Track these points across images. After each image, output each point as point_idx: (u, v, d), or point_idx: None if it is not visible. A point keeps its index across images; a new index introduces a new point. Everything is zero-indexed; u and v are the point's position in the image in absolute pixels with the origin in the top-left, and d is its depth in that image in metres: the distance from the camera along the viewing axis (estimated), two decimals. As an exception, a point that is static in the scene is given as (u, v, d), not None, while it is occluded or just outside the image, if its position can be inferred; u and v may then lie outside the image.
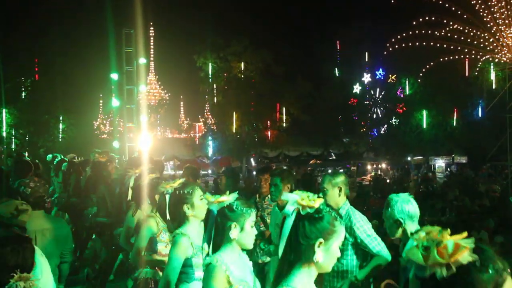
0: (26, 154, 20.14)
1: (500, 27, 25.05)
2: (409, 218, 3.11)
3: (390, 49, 28.30)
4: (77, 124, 24.88)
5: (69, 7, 25.43)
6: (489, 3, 24.72)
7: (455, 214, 11.47)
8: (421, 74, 30.34)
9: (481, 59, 26.16)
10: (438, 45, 25.87)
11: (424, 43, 26.10)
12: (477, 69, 28.63)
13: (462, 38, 25.68)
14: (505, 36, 25.32)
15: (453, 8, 25.08)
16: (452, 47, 25.86)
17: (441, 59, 26.82)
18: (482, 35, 25.39)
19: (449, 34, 26.02)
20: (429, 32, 25.96)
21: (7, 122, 22.01)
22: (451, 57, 26.55)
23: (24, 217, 2.95)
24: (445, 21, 25.59)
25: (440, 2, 24.96)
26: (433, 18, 25.86)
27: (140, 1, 10.86)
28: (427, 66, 28.04)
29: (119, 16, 14.14)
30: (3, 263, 2.23)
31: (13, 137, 22.97)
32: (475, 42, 25.70)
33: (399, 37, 27.34)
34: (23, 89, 23.91)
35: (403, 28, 26.99)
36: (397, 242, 3.75)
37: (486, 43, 25.79)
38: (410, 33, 26.65)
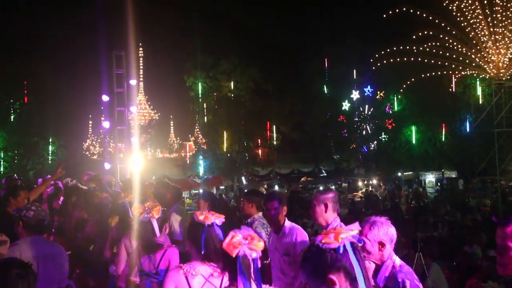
0: (15, 176, 19.99)
1: (484, 44, 25.53)
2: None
3: (378, 64, 28.64)
4: (66, 145, 24.76)
5: (59, 30, 25.53)
6: (473, 20, 25.22)
7: (448, 229, 11.53)
8: (401, 90, 30.64)
9: (468, 73, 26.58)
10: (425, 60, 26.22)
11: (411, 59, 26.44)
12: (463, 84, 29.07)
13: (448, 54, 26.09)
14: (490, 52, 25.79)
15: (442, 24, 25.47)
16: (439, 63, 26.24)
17: (428, 74, 27.18)
18: (468, 52, 25.84)
19: (434, 50, 26.45)
20: (414, 48, 26.34)
21: (-4, 145, 21.88)
22: (438, 72, 26.92)
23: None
24: (432, 35, 26.00)
25: (430, 18, 25.37)
26: (419, 34, 26.26)
27: (130, 23, 10.96)
28: (413, 81, 28.35)
29: (110, 38, 14.25)
30: (14, 283, 2.23)
31: (2, 160, 22.78)
32: (461, 58, 26.13)
33: (383, 52, 27.65)
34: (12, 111, 23.80)
35: (390, 45, 27.38)
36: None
37: (472, 58, 26.24)
38: (395, 48, 27.01)
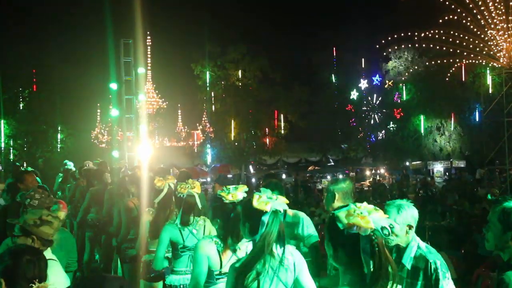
0: (25, 164, 20.14)
1: (495, 32, 25.13)
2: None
3: (389, 50, 28.21)
4: (75, 134, 24.86)
5: (67, 18, 25.53)
6: (484, 7, 24.78)
7: (456, 219, 11.48)
8: (406, 75, 30.06)
9: (477, 62, 26.17)
10: (431, 46, 25.74)
11: (422, 45, 25.97)
12: (473, 73, 28.73)
13: (458, 41, 25.67)
14: (500, 41, 25.39)
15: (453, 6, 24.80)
16: (451, 50, 25.76)
17: (438, 61, 26.78)
18: (477, 40, 25.42)
19: (443, 38, 26.00)
20: (423, 34, 25.84)
21: (5, 133, 22.02)
22: (450, 60, 26.48)
23: (46, 229, 2.93)
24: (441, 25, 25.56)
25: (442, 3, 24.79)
26: (429, 32, 25.70)
27: (138, 11, 10.93)
28: (422, 68, 27.94)
29: (118, 26, 14.23)
30: (22, 274, 2.26)
31: (11, 148, 22.95)
32: (471, 46, 25.73)
33: (389, 38, 27.16)
34: (21, 99, 23.93)
35: (399, 31, 26.89)
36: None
37: (482, 47, 25.86)
38: (402, 34, 26.50)
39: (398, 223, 3.04)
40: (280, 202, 2.44)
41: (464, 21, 24.79)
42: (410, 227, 3.05)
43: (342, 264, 1.82)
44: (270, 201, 2.40)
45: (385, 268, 1.73)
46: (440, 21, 24.83)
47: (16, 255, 2.35)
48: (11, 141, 22.88)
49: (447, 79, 27.80)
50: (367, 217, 1.73)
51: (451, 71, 27.66)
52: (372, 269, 1.73)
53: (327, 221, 1.87)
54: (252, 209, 2.39)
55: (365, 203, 1.83)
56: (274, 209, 2.39)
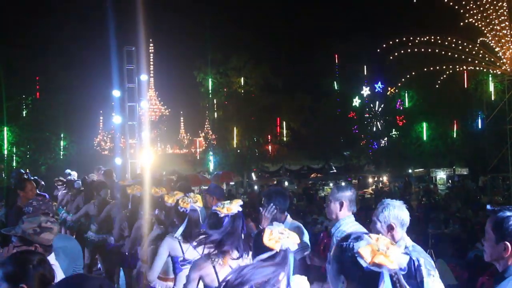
0: (27, 170, 20.14)
1: (497, 38, 25.10)
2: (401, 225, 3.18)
3: (391, 58, 28.16)
4: (78, 141, 24.93)
5: (70, 26, 25.66)
6: (486, 14, 24.76)
7: (459, 226, 11.43)
8: (403, 80, 29.94)
9: (480, 69, 26.11)
10: (436, 50, 25.63)
11: (421, 50, 25.87)
12: (475, 80, 28.67)
13: (460, 47, 25.60)
14: (503, 47, 25.35)
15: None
16: (452, 54, 25.61)
17: (437, 68, 26.70)
18: (478, 49, 25.35)
19: (446, 43, 25.91)
20: (423, 39, 25.74)
21: (8, 140, 22.07)
22: (450, 67, 26.43)
23: (46, 235, 2.93)
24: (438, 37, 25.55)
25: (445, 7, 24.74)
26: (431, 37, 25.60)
27: (141, 18, 10.98)
28: (425, 72, 27.77)
29: (120, 33, 14.29)
30: (29, 279, 2.26)
31: (14, 155, 23.00)
32: (474, 52, 25.63)
33: (391, 42, 27.06)
34: (24, 107, 24.01)
35: (400, 37, 26.81)
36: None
37: (484, 54, 25.81)
38: (404, 39, 26.35)
39: (380, 221, 3.17)
40: (291, 241, 2.32)
41: (465, 27, 24.72)
42: (390, 227, 3.13)
43: None
44: (280, 239, 2.29)
45: None
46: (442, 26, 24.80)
47: (23, 259, 2.35)
48: (14, 148, 22.92)
49: (448, 85, 27.74)
50: (391, 256, 1.66)
51: (453, 77, 27.59)
52: None
53: (339, 251, 1.74)
54: (263, 244, 2.30)
55: (380, 235, 1.78)
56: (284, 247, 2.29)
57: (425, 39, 25.26)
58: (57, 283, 1.39)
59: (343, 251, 1.72)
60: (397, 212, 3.17)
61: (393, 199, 3.34)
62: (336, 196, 3.78)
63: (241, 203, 3.04)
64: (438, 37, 25.02)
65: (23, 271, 2.28)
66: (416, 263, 2.93)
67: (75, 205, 7.95)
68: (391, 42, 26.43)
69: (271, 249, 2.26)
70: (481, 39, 24.46)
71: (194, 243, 3.73)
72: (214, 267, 2.86)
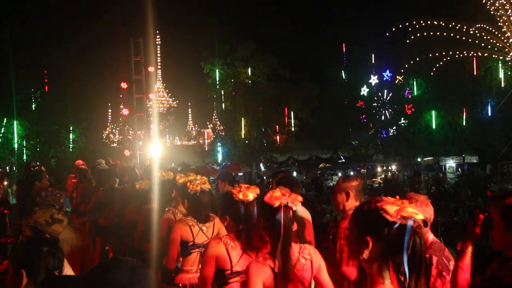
0: (38, 163, 20.29)
1: (508, 24, 24.76)
2: None
3: (399, 40, 27.76)
4: (87, 133, 25.02)
5: (77, 18, 25.66)
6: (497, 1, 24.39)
7: (468, 214, 11.39)
8: (408, 66, 29.51)
9: (489, 55, 25.74)
10: (444, 34, 25.23)
11: (430, 33, 25.51)
12: (485, 67, 28.31)
13: (471, 32, 25.19)
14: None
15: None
16: (462, 37, 25.17)
17: (449, 58, 26.41)
18: (488, 35, 25.01)
19: (457, 27, 25.44)
20: (434, 22, 25.36)
21: (18, 134, 22.21)
22: (461, 54, 26.04)
23: (57, 227, 2.97)
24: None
25: None
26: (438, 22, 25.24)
27: (148, 10, 10.96)
28: (433, 59, 27.44)
29: (127, 25, 14.28)
30: (42, 265, 2.29)
31: (24, 148, 23.16)
32: (484, 37, 25.24)
33: (400, 26, 26.64)
34: (33, 100, 24.11)
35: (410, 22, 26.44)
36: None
37: (493, 42, 25.48)
38: (414, 22, 25.93)
39: None
40: (291, 199, 2.40)
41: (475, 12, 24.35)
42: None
43: (378, 258, 1.68)
44: (281, 197, 2.37)
45: (424, 262, 1.65)
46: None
47: (36, 246, 2.37)
48: (24, 142, 23.07)
49: (457, 72, 27.42)
50: (414, 208, 1.65)
51: (462, 64, 27.28)
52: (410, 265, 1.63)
53: (361, 213, 1.71)
54: (265, 205, 2.37)
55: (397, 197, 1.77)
56: (285, 205, 2.36)
57: (434, 23, 24.90)
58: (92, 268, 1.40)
59: (365, 212, 1.70)
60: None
61: (416, 193, 3.20)
62: (342, 186, 3.70)
63: (258, 191, 3.03)
64: (446, 23, 24.67)
65: (34, 258, 2.31)
66: (428, 261, 2.83)
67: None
68: (400, 26, 26.08)
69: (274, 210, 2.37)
70: (489, 25, 24.12)
71: (204, 228, 3.78)
72: (226, 249, 2.86)
